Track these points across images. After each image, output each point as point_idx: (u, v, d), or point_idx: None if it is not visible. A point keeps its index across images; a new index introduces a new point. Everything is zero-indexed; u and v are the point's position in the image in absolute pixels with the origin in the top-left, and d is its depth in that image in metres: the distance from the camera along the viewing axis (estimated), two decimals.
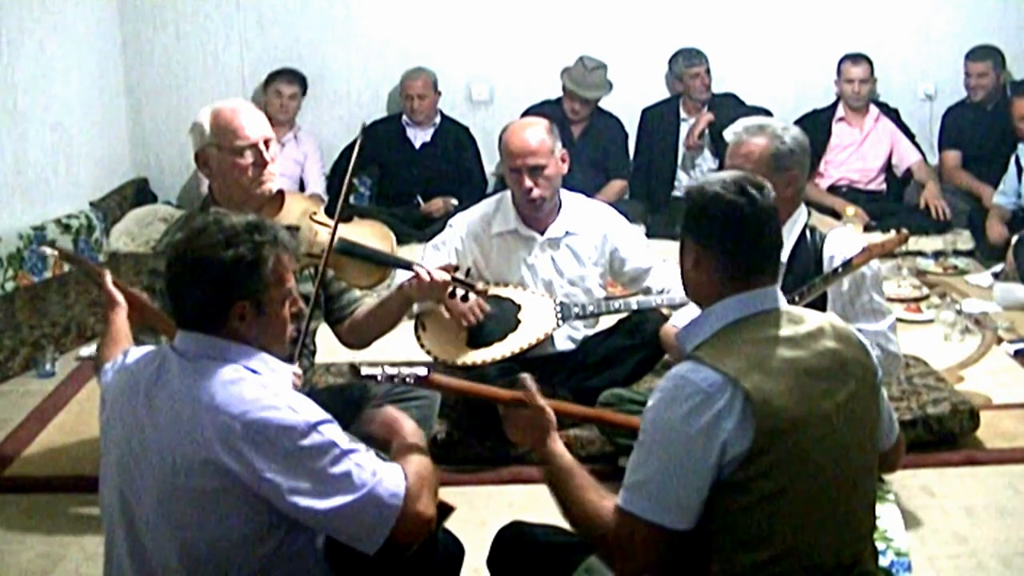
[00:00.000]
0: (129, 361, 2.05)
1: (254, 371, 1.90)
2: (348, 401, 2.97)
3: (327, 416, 1.88)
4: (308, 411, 1.86)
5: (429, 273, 3.07)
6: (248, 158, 2.90)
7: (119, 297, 2.55)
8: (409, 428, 2.11)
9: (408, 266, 3.13)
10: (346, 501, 1.83)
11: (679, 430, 1.80)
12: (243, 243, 1.89)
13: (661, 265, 3.62)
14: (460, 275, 3.24)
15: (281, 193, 3.01)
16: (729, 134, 3.00)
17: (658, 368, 3.61)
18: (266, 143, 2.93)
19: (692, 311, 2.01)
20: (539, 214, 3.54)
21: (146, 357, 2.02)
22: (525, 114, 5.83)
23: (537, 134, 3.46)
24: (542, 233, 3.59)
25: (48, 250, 3.41)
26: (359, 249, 3.04)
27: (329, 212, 3.06)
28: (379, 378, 2.12)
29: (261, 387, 1.87)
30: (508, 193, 3.62)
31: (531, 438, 2.07)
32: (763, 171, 2.78)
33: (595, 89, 5.95)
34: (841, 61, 6.13)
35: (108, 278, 2.60)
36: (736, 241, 1.92)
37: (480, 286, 3.30)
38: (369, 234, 3.12)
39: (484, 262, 3.59)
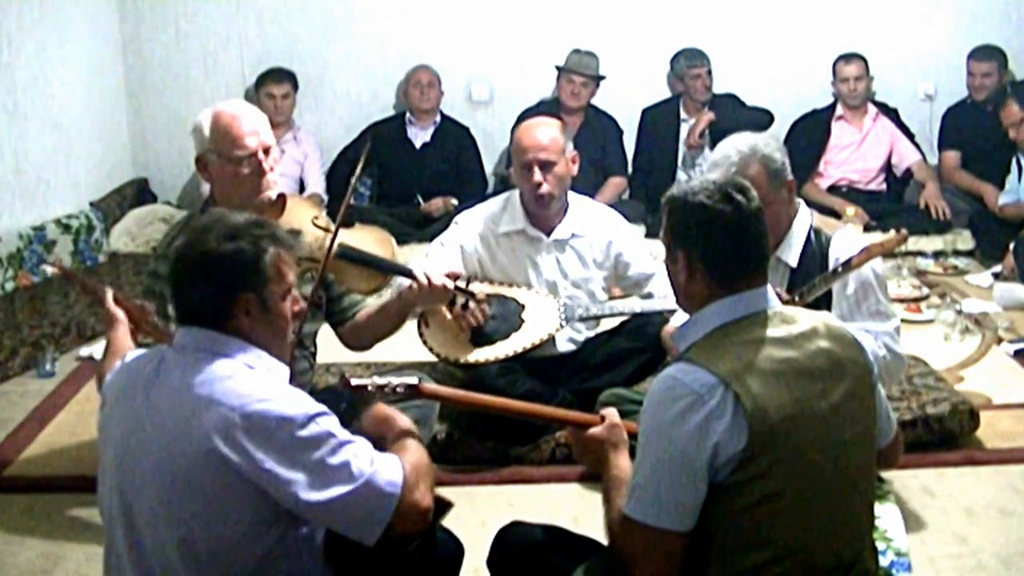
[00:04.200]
0: (128, 361, 2.07)
1: (251, 367, 1.92)
2: (348, 401, 2.96)
3: (324, 408, 1.90)
4: (305, 403, 1.88)
5: (429, 280, 3.07)
6: (246, 168, 2.88)
7: (119, 315, 2.54)
8: (403, 423, 2.11)
9: (408, 273, 3.12)
10: (344, 491, 1.84)
11: (670, 431, 1.81)
12: (243, 237, 1.92)
13: (663, 271, 3.62)
14: (462, 283, 3.23)
15: (283, 197, 3.00)
16: (716, 172, 2.77)
17: (659, 371, 3.61)
18: (266, 151, 2.91)
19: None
20: (546, 212, 3.54)
21: (145, 356, 2.04)
22: (522, 115, 5.85)
23: (549, 132, 3.50)
24: (548, 234, 3.58)
25: (49, 269, 3.38)
26: (359, 255, 3.04)
27: (331, 215, 3.06)
28: (369, 388, 2.15)
29: (258, 380, 1.88)
30: (516, 193, 3.61)
31: (601, 453, 2.10)
32: (767, 192, 2.70)
33: (593, 69, 5.98)
34: (835, 62, 6.16)
35: (109, 296, 2.58)
36: (727, 249, 1.91)
37: (480, 295, 3.29)
38: (370, 240, 3.12)
39: (490, 261, 3.59)
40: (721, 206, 1.90)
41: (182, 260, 1.95)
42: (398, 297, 3.14)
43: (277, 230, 1.99)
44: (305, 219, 3.01)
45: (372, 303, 3.21)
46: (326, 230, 2.99)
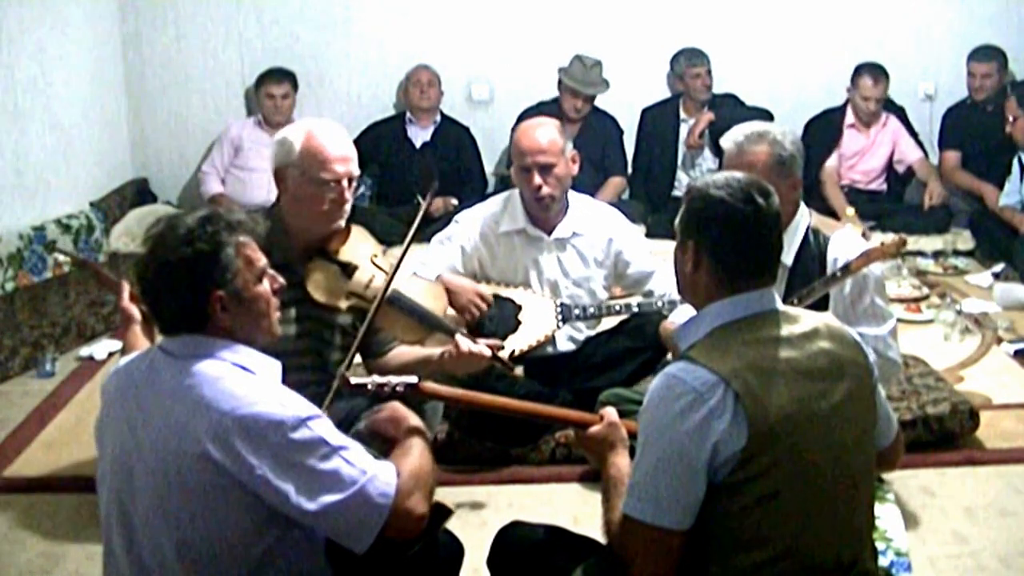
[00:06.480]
0: (122, 364, 2.06)
1: (243, 367, 1.91)
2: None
3: (317, 411, 1.89)
4: (297, 406, 1.87)
5: (469, 347, 2.91)
6: (329, 194, 2.82)
7: (135, 313, 2.53)
8: (414, 423, 2.11)
9: (451, 333, 3.01)
10: (335, 499, 1.83)
11: (670, 429, 1.81)
12: (200, 239, 1.91)
13: (663, 269, 3.62)
14: (504, 354, 3.07)
15: (349, 227, 2.94)
16: (727, 142, 2.93)
17: (659, 370, 3.61)
18: (349, 181, 2.86)
19: (690, 309, 2.02)
20: (547, 213, 3.54)
21: (138, 358, 2.03)
22: (522, 116, 5.85)
23: (548, 133, 3.48)
24: (549, 233, 3.58)
25: (61, 256, 3.33)
26: (409, 305, 2.98)
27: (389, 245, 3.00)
28: (369, 387, 2.14)
29: (250, 382, 1.88)
30: (516, 192, 3.61)
31: (600, 452, 2.13)
32: (768, 178, 2.75)
33: (596, 86, 5.98)
34: (858, 73, 6.00)
35: (125, 294, 2.58)
36: (738, 248, 1.91)
37: (518, 371, 3.21)
38: (424, 292, 3.08)
39: (489, 260, 3.59)
40: (740, 205, 1.90)
41: (146, 275, 1.94)
42: (437, 360, 2.98)
43: (232, 218, 1.96)
44: (365, 255, 2.96)
45: (406, 348, 3.08)
46: (383, 271, 2.93)
